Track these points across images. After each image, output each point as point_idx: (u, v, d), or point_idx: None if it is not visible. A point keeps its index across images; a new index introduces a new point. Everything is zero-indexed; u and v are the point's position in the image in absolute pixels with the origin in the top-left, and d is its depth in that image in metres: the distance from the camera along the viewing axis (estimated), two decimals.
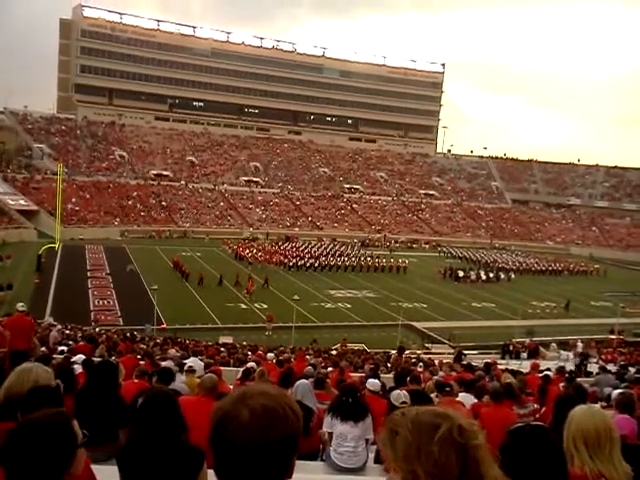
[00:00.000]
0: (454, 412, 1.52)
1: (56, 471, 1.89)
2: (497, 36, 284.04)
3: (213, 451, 1.44)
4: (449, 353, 28.55)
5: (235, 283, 42.72)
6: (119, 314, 34.48)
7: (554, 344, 32.54)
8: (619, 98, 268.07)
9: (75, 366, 8.51)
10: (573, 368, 18.36)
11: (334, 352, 25.20)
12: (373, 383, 7.20)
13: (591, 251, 78.73)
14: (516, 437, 2.20)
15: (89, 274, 43.62)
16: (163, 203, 74.03)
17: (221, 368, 11.22)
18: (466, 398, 7.77)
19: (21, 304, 11.26)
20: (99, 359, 10.38)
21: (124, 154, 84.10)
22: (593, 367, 20.34)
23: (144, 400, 3.11)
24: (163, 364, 11.28)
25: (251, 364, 10.50)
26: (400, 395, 5.58)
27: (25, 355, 8.64)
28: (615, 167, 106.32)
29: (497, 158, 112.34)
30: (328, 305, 40.68)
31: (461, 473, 1.41)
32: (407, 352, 28.89)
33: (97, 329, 27.75)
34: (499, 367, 16.97)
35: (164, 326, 31.47)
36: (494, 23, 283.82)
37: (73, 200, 66.17)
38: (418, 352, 29.38)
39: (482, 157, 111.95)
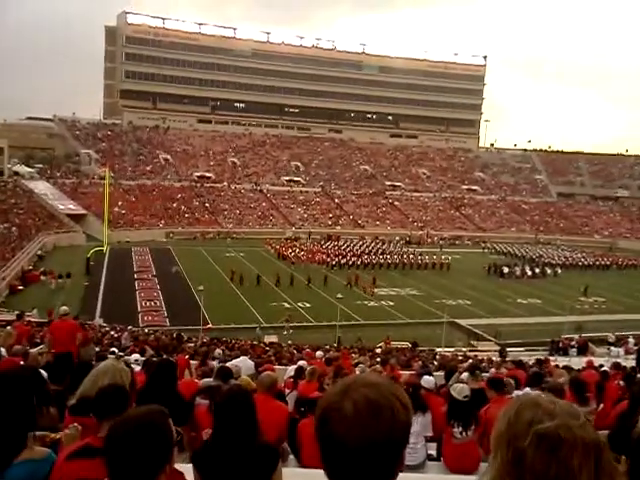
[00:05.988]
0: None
1: (156, 467, 1.93)
2: (539, 26, 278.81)
3: (320, 446, 1.38)
4: (495, 350, 28.12)
5: (276, 282, 43.25)
6: (165, 315, 35.06)
7: (612, 335, 31.78)
8: None
9: (133, 365, 8.73)
10: (627, 364, 17.85)
11: (378, 350, 25.13)
12: (428, 380, 7.04)
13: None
14: None
15: (136, 276, 44.47)
16: (206, 205, 75.09)
17: (273, 367, 11.33)
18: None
19: (64, 308, 10.93)
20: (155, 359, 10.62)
21: (168, 157, 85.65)
22: None
23: (224, 398, 3.17)
24: (210, 363, 11.49)
25: (302, 362, 10.56)
26: (464, 389, 5.53)
27: (70, 357, 8.72)
28: None
29: (541, 151, 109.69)
30: (371, 303, 40.59)
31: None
32: (453, 350, 28.72)
33: (146, 330, 28.37)
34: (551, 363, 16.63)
35: (210, 326, 31.88)
36: (537, 12, 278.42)
37: (120, 204, 67.66)
38: (464, 350, 29.09)
39: (526, 150, 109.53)
